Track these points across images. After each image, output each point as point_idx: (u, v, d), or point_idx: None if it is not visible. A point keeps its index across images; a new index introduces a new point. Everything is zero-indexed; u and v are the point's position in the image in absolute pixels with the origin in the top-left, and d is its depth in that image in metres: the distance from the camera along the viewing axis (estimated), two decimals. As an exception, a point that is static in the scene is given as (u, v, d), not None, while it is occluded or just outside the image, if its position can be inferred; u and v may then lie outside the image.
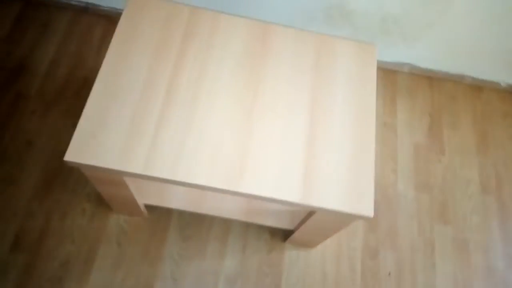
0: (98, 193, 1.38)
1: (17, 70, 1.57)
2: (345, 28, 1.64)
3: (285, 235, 1.40)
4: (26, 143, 1.43)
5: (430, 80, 1.79)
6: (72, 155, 0.92)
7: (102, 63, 1.03)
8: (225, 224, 1.40)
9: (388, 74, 1.79)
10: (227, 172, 0.95)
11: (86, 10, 1.72)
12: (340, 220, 1.07)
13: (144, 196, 1.26)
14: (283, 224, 1.29)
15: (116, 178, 1.02)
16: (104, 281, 1.27)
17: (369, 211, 0.96)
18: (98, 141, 0.94)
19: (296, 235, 1.29)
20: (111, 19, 1.71)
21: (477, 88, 1.80)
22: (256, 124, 1.01)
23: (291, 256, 1.38)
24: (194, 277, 1.31)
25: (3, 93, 1.52)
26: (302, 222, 1.21)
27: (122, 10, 1.12)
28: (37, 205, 1.35)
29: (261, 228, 1.41)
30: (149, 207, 1.38)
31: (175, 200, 1.28)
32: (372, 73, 1.13)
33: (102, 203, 1.37)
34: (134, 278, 1.29)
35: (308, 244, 1.37)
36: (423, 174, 1.58)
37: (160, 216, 1.39)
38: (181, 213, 1.40)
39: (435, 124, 1.69)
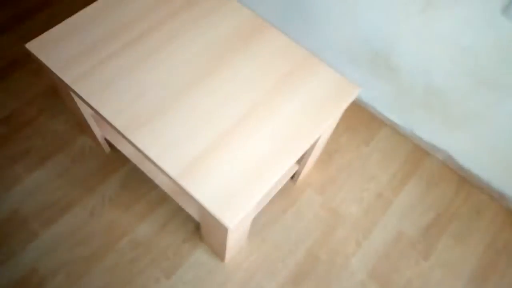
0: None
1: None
2: (387, 82, 1.52)
3: (208, 236, 1.34)
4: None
5: (461, 181, 1.53)
6: (33, 45, 1.05)
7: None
8: (163, 197, 1.41)
9: (418, 152, 1.58)
10: (134, 118, 0.97)
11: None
12: (210, 222, 1.00)
13: (103, 130, 1.34)
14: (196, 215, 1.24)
15: (62, 85, 1.13)
16: (43, 180, 1.40)
17: (229, 222, 0.87)
18: (59, 45, 1.05)
19: (201, 231, 1.23)
20: None
21: (517, 216, 1.47)
22: (195, 93, 1.02)
23: (199, 257, 1.31)
24: (107, 223, 1.35)
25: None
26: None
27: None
28: (40, 99, 1.55)
29: (190, 218, 1.38)
30: (114, 148, 1.47)
31: (124, 145, 1.33)
32: (339, 109, 1.04)
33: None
34: (63, 193, 1.38)
35: (217, 253, 1.29)
36: (388, 266, 1.35)
37: (118, 159, 1.46)
38: (135, 168, 1.45)
39: (437, 225, 1.43)
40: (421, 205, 1.47)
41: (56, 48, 1.05)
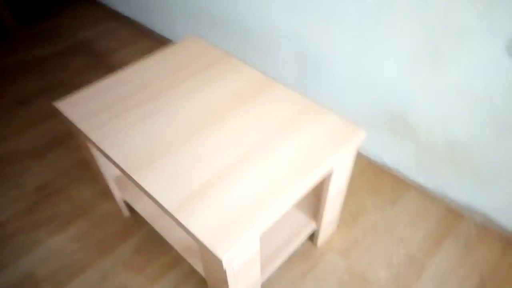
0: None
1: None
2: (408, 143, 1.48)
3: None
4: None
5: (506, 244, 1.35)
6: (59, 103, 1.18)
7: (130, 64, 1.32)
8: (176, 260, 1.35)
9: (451, 215, 1.45)
10: (139, 159, 1.01)
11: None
12: (209, 261, 0.93)
13: (122, 193, 1.38)
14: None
15: (82, 139, 1.21)
16: (62, 244, 1.41)
17: (222, 253, 0.82)
18: (82, 103, 1.17)
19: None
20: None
21: None
22: (200, 137, 1.06)
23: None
24: (118, 287, 1.29)
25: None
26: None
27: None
28: (73, 170, 1.66)
29: (200, 283, 1.29)
30: (133, 212, 1.49)
31: (141, 206, 1.35)
32: (342, 150, 1.01)
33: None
34: (78, 256, 1.38)
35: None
36: None
37: (136, 223, 1.46)
38: (151, 231, 1.44)
39: (485, 294, 1.23)
40: (461, 269, 1.29)
41: (79, 106, 1.17)
